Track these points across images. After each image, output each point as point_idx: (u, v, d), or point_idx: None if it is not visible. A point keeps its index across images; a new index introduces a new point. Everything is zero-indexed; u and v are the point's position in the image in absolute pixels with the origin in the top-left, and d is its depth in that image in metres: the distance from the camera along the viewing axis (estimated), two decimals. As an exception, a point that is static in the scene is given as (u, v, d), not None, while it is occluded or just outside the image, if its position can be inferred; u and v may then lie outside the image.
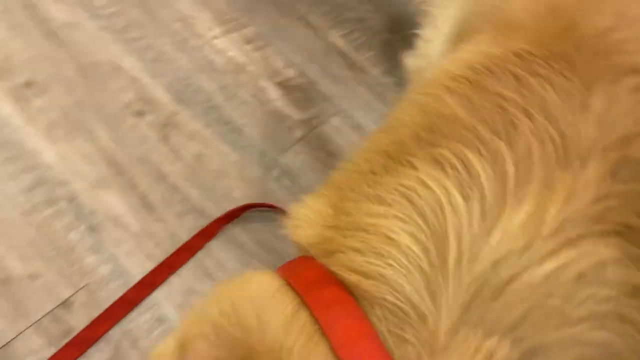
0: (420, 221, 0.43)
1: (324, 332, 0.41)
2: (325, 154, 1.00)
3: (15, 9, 1.01)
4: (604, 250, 0.40)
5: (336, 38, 1.13)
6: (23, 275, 0.81)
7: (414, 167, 0.46)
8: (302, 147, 1.00)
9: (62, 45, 1.00)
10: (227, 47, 1.07)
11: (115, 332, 0.80)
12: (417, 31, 0.88)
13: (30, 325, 0.78)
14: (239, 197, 0.93)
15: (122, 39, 1.03)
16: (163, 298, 0.84)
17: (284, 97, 1.04)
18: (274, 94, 1.04)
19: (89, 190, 0.89)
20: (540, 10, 0.52)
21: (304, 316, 0.42)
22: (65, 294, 0.81)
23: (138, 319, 0.82)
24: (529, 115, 0.45)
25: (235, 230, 0.90)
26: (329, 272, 0.45)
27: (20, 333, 0.77)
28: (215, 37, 1.08)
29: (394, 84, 1.09)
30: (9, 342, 0.76)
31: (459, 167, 0.44)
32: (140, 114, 0.97)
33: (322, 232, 0.49)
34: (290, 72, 1.07)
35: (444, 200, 0.42)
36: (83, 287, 0.82)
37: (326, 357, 0.40)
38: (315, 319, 0.42)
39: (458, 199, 0.42)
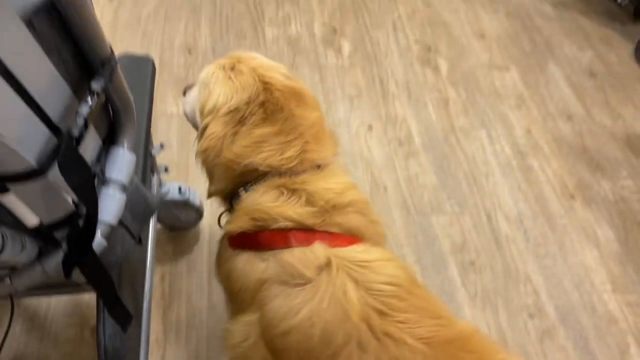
0: None
1: None
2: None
3: (480, 214, 1.58)
4: None
5: None
6: None
7: None
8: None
9: (500, 248, 1.50)
10: (610, 301, 1.41)
11: None
12: None
13: None
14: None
15: (539, 263, 1.48)
16: None
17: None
18: (635, 351, 1.32)
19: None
20: None
21: None
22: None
23: None
24: None
25: None
26: None
27: None
28: (604, 291, 1.43)
29: None
30: None
31: None
32: (531, 316, 1.38)
33: None
34: (654, 343, 1.34)
35: None
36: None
37: None
38: None
39: None
